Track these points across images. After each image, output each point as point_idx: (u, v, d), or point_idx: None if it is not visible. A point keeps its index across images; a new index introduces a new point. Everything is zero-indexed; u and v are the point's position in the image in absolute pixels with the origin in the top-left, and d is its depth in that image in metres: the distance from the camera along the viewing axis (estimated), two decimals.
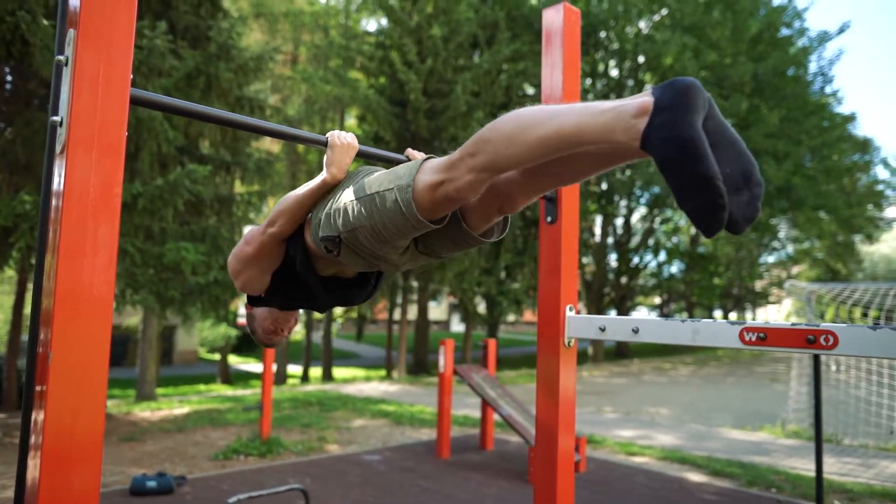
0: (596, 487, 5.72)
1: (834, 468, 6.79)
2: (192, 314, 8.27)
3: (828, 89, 22.16)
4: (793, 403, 9.35)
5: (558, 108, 1.18)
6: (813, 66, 20.90)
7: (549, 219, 2.46)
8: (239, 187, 11.14)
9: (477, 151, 1.25)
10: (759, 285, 34.78)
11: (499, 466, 6.39)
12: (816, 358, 4.27)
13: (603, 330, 2.24)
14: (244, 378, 22.95)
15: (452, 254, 1.65)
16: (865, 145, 28.37)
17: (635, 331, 2.12)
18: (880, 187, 31.99)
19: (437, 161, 1.36)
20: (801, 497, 5.59)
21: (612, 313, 28.38)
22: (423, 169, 1.35)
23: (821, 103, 21.90)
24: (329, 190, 1.58)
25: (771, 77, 18.78)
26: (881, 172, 38.26)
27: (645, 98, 1.07)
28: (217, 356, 22.97)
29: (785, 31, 20.35)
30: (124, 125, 1.29)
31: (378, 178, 1.43)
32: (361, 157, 1.74)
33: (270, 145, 18.53)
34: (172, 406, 11.00)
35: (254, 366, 28.45)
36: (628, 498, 5.41)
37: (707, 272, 26.45)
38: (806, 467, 6.77)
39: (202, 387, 18.56)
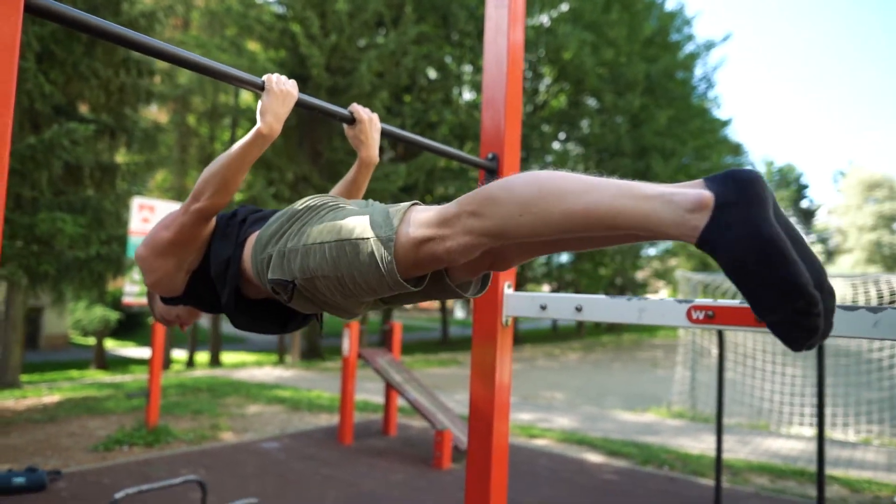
0: None
1: (715, 445, 7.25)
2: (67, 292, 7.48)
3: (710, 94, 23.73)
4: (677, 387, 9.94)
5: (591, 180, 1.00)
6: (699, 71, 22.28)
7: None
8: (122, 157, 10.24)
9: (481, 212, 1.05)
10: (640, 276, 36.89)
11: (403, 452, 6.28)
12: (721, 337, 4.48)
13: (544, 308, 2.15)
14: (122, 364, 21.39)
15: (419, 302, 1.44)
16: (738, 149, 30.83)
17: (578, 309, 2.04)
18: None
19: (428, 213, 1.13)
20: (692, 474, 5.91)
21: None
22: (408, 220, 1.13)
23: (702, 107, 23.43)
24: (283, 226, 1.29)
25: (661, 78, 19.82)
26: None
27: (702, 191, 0.93)
28: (92, 340, 21.27)
29: (675, 36, 21.55)
30: (16, 41, 1.02)
31: (351, 222, 1.18)
32: (301, 106, 1.51)
33: (158, 115, 17.27)
34: (41, 394, 9.99)
35: (133, 350, 26.61)
36: (534, 480, 5.48)
37: (594, 262, 27.67)
38: (692, 445, 7.19)
39: (74, 373, 17.08)
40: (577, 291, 34.84)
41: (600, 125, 19.95)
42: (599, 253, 28.02)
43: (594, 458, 6.43)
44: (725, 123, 25.74)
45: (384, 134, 1.84)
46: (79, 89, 7.52)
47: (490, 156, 2.33)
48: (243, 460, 5.79)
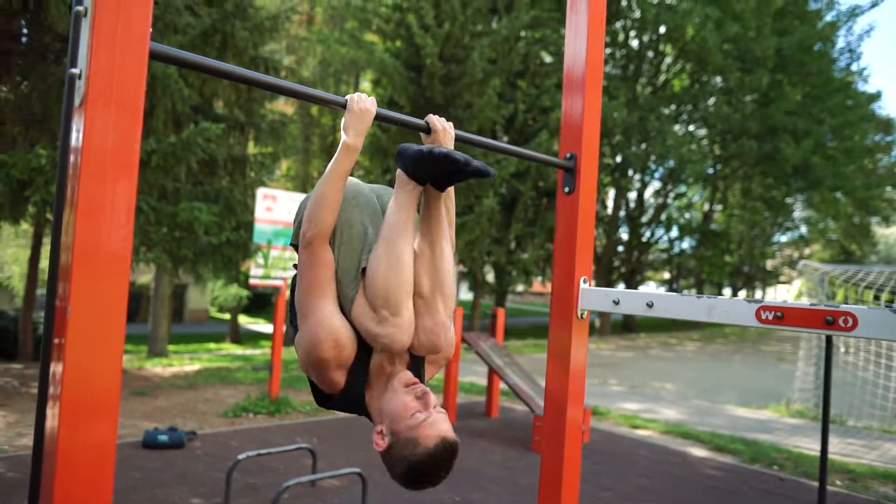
0: (599, 458, 5.78)
1: (837, 448, 6.81)
2: (204, 273, 8.33)
3: (854, 66, 21.63)
4: (799, 383, 9.36)
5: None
6: (840, 42, 20.37)
7: (566, 189, 2.43)
8: (252, 149, 11.12)
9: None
10: (770, 264, 34.54)
11: (503, 434, 6.46)
12: (829, 339, 4.25)
13: (617, 303, 2.23)
14: (253, 338, 23.22)
15: None
16: (888, 125, 27.81)
17: (650, 305, 2.10)
18: None
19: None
20: (804, 476, 5.63)
21: (621, 286, 28.32)
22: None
23: (846, 81, 21.41)
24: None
25: (795, 52, 18.34)
26: None
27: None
28: (227, 316, 23.25)
29: (813, 5, 19.81)
30: (143, 79, 1.26)
31: None
32: (380, 119, 1.71)
33: (284, 107, 18.43)
34: (183, 363, 11.18)
35: (263, 326, 28.76)
36: (631, 470, 5.47)
37: (718, 249, 26.27)
38: (809, 446, 6.80)
39: (212, 345, 18.81)
40: (698, 280, 33.26)
41: (725, 104, 18.84)
42: (724, 239, 26.58)
43: (698, 452, 6.28)
44: (874, 97, 23.36)
45: (460, 141, 1.98)
46: (213, 89, 8.28)
47: (568, 155, 2.42)
48: (353, 433, 6.23)
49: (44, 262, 11.16)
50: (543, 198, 17.70)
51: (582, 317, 2.42)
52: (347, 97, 1.58)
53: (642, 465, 5.67)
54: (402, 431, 1.37)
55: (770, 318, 1.87)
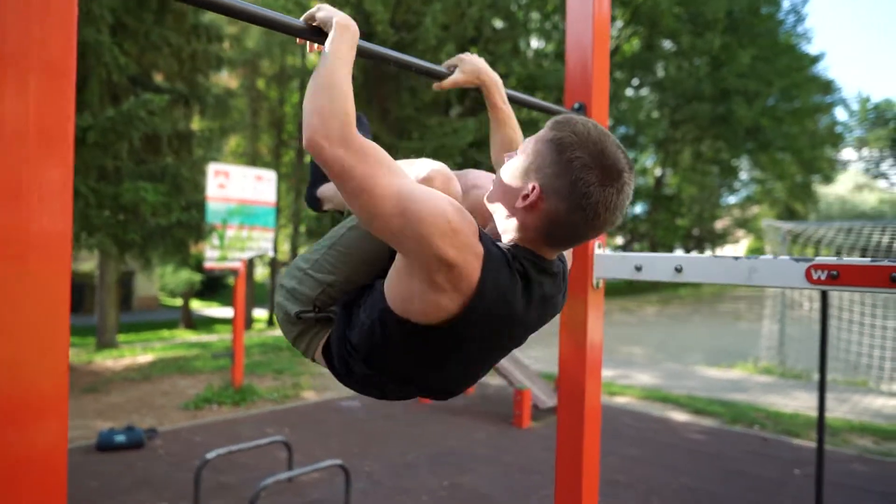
0: None
1: (809, 403, 6.88)
2: (153, 258, 7.78)
3: (799, 28, 21.98)
4: (765, 341, 9.47)
5: None
6: (786, 4, 20.62)
7: None
8: (197, 124, 10.46)
9: None
10: (719, 225, 35.36)
11: (483, 410, 6.26)
12: (824, 296, 4.14)
13: (639, 269, 1.98)
14: (208, 323, 22.49)
15: None
16: (828, 86, 28.57)
17: (678, 269, 1.86)
18: (838, 129, 32.59)
19: None
20: (785, 433, 5.62)
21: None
22: None
23: (791, 43, 21.74)
24: None
25: (745, 14, 18.44)
26: (840, 114, 38.87)
27: None
28: (179, 301, 22.42)
29: None
30: (72, 35, 0.97)
31: None
32: (398, 65, 1.41)
33: (228, 80, 17.58)
34: (136, 354, 10.59)
35: (217, 310, 27.94)
36: (618, 439, 5.34)
37: (670, 213, 26.65)
38: (784, 403, 6.84)
39: (165, 333, 18.08)
40: (652, 244, 33.80)
41: (677, 69, 18.86)
42: (676, 202, 26.95)
43: (679, 416, 6.22)
44: (816, 59, 23.81)
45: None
46: (152, 59, 7.65)
47: (576, 105, 2.14)
48: (326, 419, 5.91)
49: None
50: None
51: (597, 286, 2.17)
52: (314, 8, 1.20)
53: (628, 433, 5.55)
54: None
55: (823, 277, 1.64)
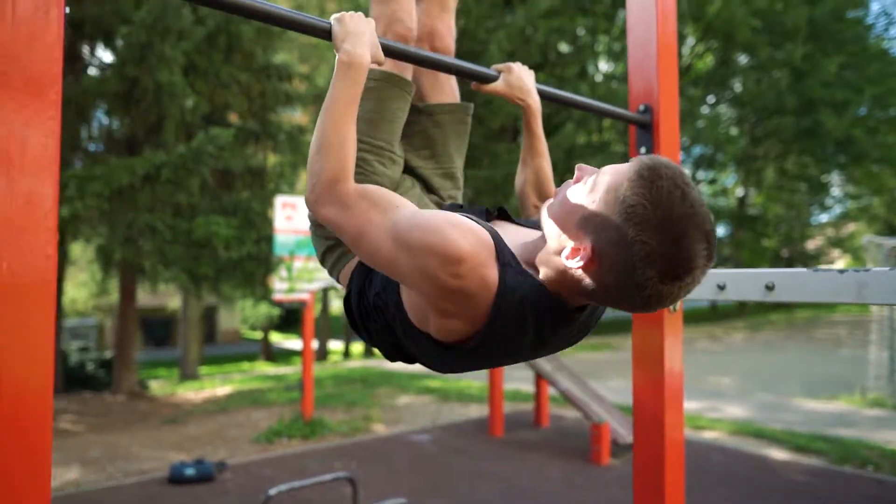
0: None
1: None
2: (226, 291, 7.95)
3: (892, 31, 20.60)
4: (873, 370, 8.61)
5: None
6: (876, 6, 19.41)
7: (642, 150, 1.94)
8: (270, 160, 10.77)
9: None
10: (811, 245, 33.28)
11: (558, 445, 5.92)
12: None
13: (722, 288, 1.70)
14: (287, 355, 22.99)
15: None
16: None
17: (770, 287, 1.58)
18: None
19: None
20: None
21: None
22: None
23: (883, 48, 20.38)
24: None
25: (828, 20, 17.45)
26: None
27: None
28: (260, 334, 23.05)
29: None
30: (59, 45, 0.88)
31: None
32: (436, 66, 1.29)
33: (301, 119, 18.16)
34: (215, 386, 10.84)
35: (296, 342, 28.56)
36: (707, 478, 4.88)
37: (755, 233, 25.26)
38: None
39: (246, 365, 18.56)
40: (737, 266, 32.18)
41: (756, 82, 17.99)
42: (761, 222, 25.54)
43: (777, 454, 5.65)
44: None
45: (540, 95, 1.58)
46: (224, 98, 7.91)
47: (641, 108, 1.91)
48: (395, 453, 5.74)
49: None
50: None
51: (674, 309, 1.91)
52: (333, 17, 1.12)
53: (718, 472, 5.07)
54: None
55: None
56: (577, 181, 0.95)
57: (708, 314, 30.02)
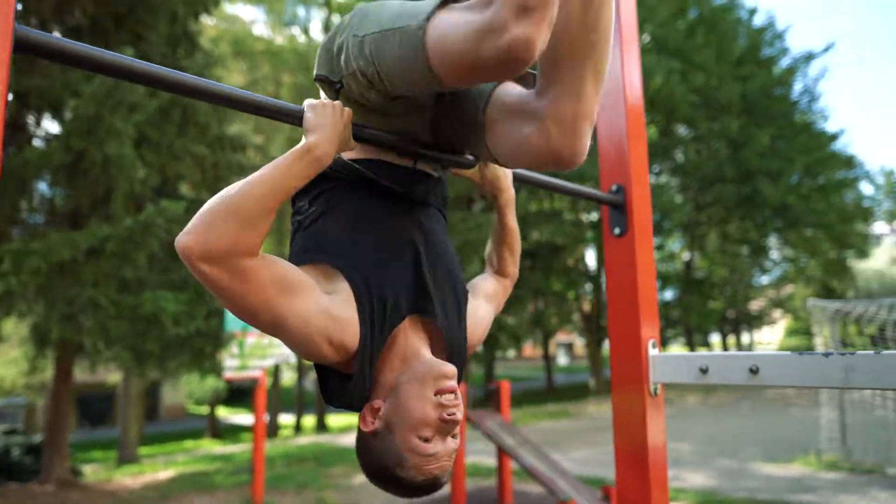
0: None
1: None
2: (173, 369, 7.55)
3: (814, 107, 22.16)
4: (825, 432, 8.73)
5: None
6: (799, 85, 20.91)
7: (616, 230, 1.92)
8: None
9: None
10: (755, 306, 34.34)
11: None
12: None
13: (705, 371, 1.67)
14: (235, 431, 21.93)
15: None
16: (850, 162, 28.41)
17: (753, 371, 1.56)
18: (867, 203, 32.19)
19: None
20: None
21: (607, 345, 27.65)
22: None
23: (807, 122, 21.82)
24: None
25: (758, 97, 18.65)
26: (866, 188, 38.57)
27: None
28: (206, 409, 22.02)
29: (768, 52, 20.37)
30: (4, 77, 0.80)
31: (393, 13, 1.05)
32: (415, 152, 1.23)
33: None
34: (157, 469, 10.17)
35: (245, 417, 27.36)
36: None
37: (702, 296, 25.95)
38: None
39: (190, 443, 17.58)
40: (687, 329, 32.82)
41: (696, 152, 18.94)
42: (707, 285, 26.27)
43: None
44: (833, 137, 23.84)
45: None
46: (176, 169, 7.76)
47: (614, 188, 1.91)
48: None
49: None
50: (528, 258, 17.30)
51: (655, 393, 1.86)
52: (306, 103, 1.09)
53: None
54: (400, 444, 1.00)
55: None
56: None
57: None
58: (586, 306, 23.90)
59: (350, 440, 12.95)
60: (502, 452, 6.30)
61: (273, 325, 0.97)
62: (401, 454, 0.99)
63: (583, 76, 1.00)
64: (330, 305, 1.00)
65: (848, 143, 43.66)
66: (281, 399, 20.74)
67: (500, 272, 1.48)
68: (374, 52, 1.03)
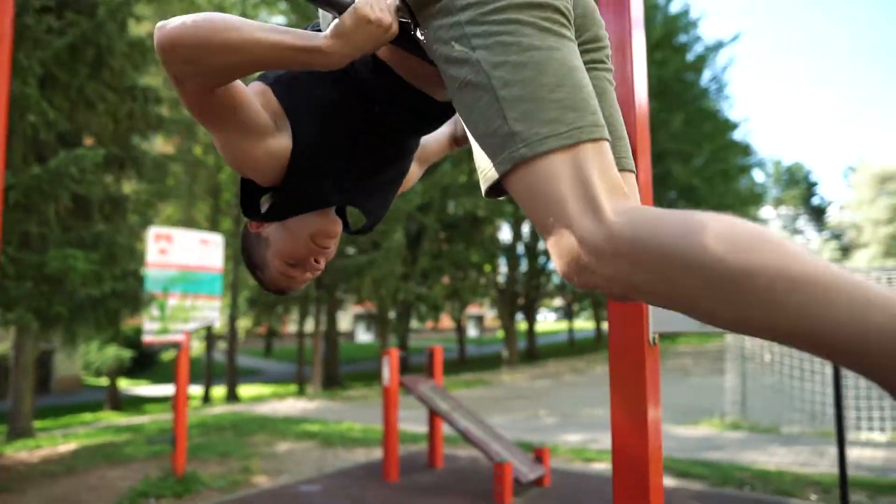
0: None
1: (788, 458, 6.70)
2: (81, 333, 6.99)
3: (721, 95, 23.37)
4: (729, 396, 9.36)
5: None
6: (708, 73, 21.96)
7: None
8: (130, 188, 9.83)
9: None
10: None
11: (457, 487, 5.73)
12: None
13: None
14: (137, 403, 20.88)
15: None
16: (747, 149, 30.40)
17: None
18: (758, 189, 34.62)
19: None
20: (779, 493, 5.35)
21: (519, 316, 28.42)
22: None
23: (711, 109, 23.02)
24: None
25: (672, 81, 19.43)
26: (758, 176, 41.43)
27: None
28: (105, 381, 20.79)
29: (683, 38, 21.22)
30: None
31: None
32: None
33: (164, 147, 16.96)
34: (56, 442, 9.47)
35: (148, 388, 26.10)
36: None
37: None
38: (764, 460, 6.63)
39: (88, 416, 16.56)
40: (594, 302, 34.19)
41: None
42: None
43: (666, 480, 5.87)
44: (734, 126, 25.32)
45: None
46: (85, 119, 7.11)
47: None
48: None
49: None
50: (449, 228, 17.34)
51: (654, 342, 1.85)
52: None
53: None
54: (269, 257, 1.17)
55: None
56: None
57: (565, 349, 31.50)
58: (500, 279, 24.34)
59: (266, 409, 12.62)
60: (434, 416, 6.30)
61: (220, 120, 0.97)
62: (266, 262, 1.17)
63: None
64: (276, 131, 1.01)
65: (748, 132, 46.61)
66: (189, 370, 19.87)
67: (420, 160, 1.53)
68: (483, 71, 0.80)
